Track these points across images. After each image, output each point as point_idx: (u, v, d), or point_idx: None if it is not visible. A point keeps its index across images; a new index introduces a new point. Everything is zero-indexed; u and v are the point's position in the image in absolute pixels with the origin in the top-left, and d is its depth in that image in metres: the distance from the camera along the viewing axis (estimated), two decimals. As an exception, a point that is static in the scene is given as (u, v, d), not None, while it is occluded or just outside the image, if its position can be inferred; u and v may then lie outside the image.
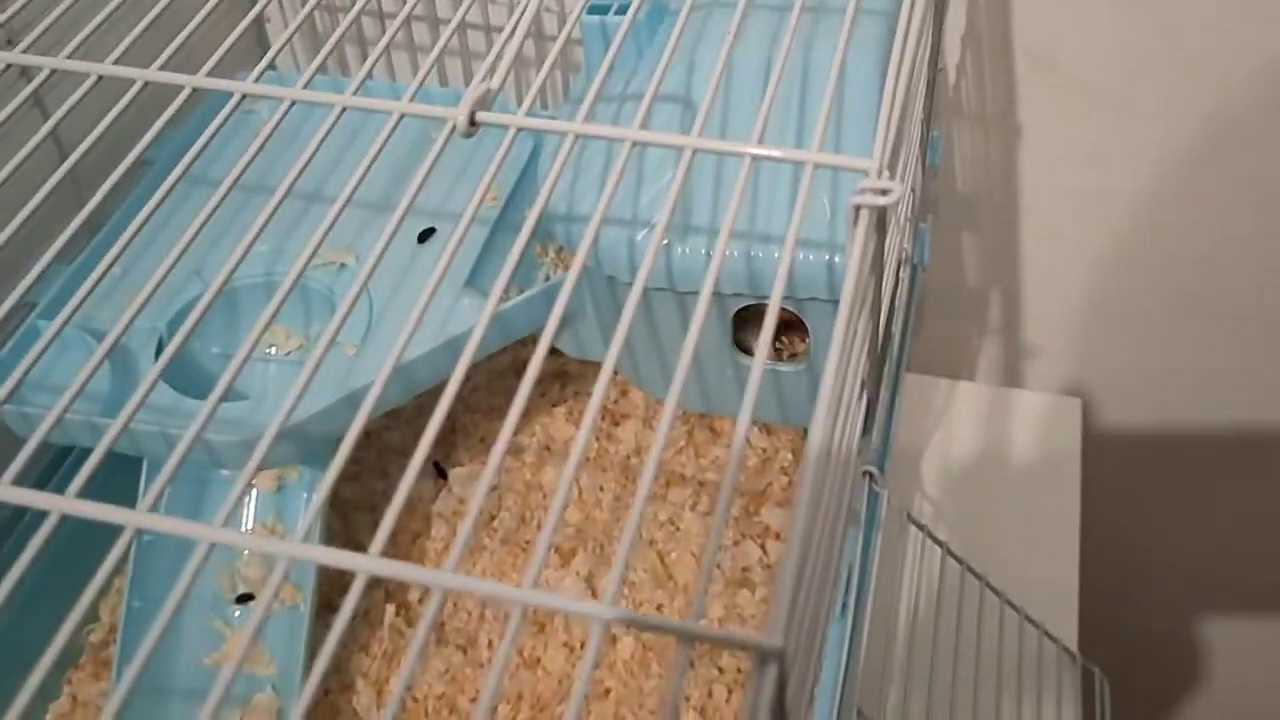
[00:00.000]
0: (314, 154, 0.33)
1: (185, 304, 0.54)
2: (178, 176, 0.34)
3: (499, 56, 0.30)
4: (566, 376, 0.67)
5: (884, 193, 0.25)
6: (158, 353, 0.53)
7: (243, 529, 0.55)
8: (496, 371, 0.67)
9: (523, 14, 0.31)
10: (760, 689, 0.18)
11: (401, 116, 0.30)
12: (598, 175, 0.49)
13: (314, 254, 0.32)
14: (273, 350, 0.56)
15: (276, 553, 0.23)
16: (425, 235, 0.56)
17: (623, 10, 0.50)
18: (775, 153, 0.27)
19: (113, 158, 0.54)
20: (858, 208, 0.25)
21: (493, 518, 0.61)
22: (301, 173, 0.33)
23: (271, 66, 0.37)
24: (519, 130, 0.28)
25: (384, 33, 0.68)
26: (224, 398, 0.29)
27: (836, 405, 0.22)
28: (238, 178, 0.34)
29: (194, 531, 0.24)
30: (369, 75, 0.35)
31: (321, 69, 0.35)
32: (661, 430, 0.24)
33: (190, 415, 0.50)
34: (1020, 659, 0.56)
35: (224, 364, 0.55)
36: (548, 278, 0.57)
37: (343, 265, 0.56)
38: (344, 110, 0.31)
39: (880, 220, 0.26)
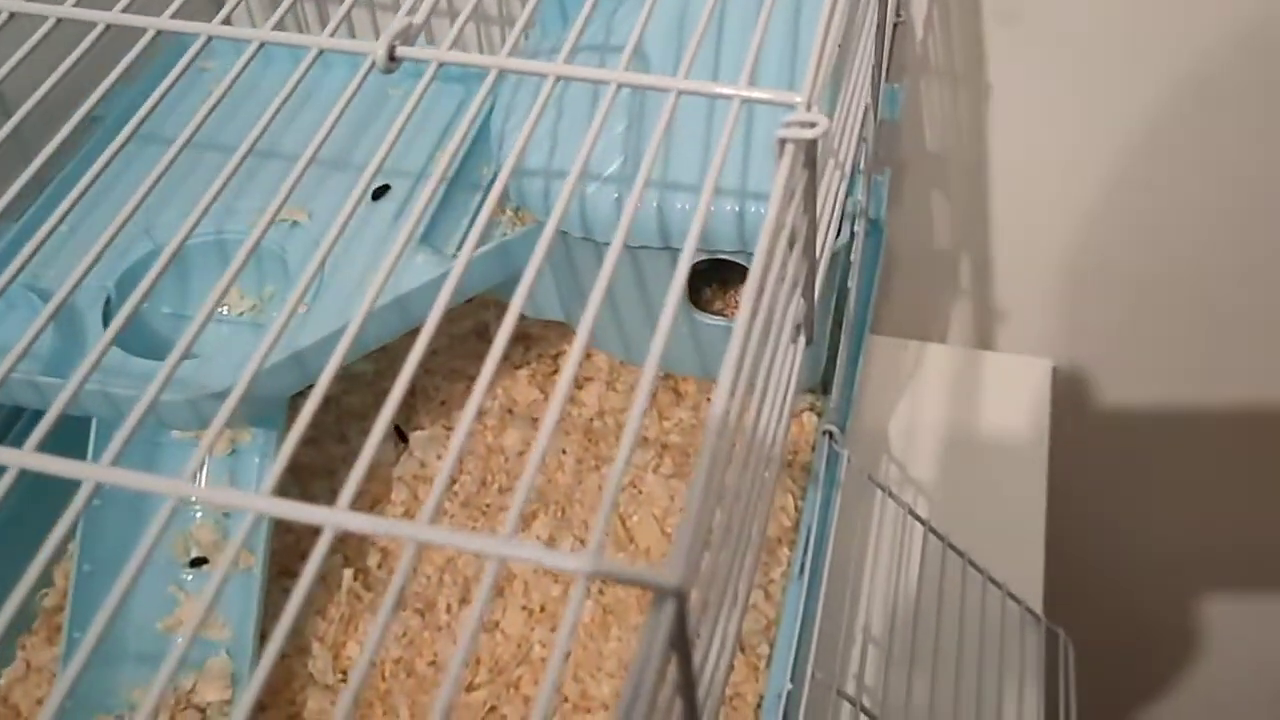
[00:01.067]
0: (281, 102, 0.32)
1: (134, 262, 0.53)
2: (129, 134, 0.33)
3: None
4: (529, 339, 0.66)
5: (811, 125, 0.24)
6: (105, 312, 0.52)
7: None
8: (457, 335, 0.66)
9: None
10: (656, 627, 0.18)
11: (320, 52, 0.29)
12: (548, 129, 0.48)
13: (271, 222, 0.31)
14: (225, 311, 0.55)
15: (243, 506, 0.22)
16: (379, 193, 0.55)
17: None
18: (699, 86, 0.26)
19: (60, 112, 0.53)
20: (783, 141, 0.24)
21: (454, 481, 0.61)
22: (260, 136, 0.32)
23: (227, 23, 0.35)
24: (440, 65, 0.27)
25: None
26: (179, 362, 0.28)
27: (745, 339, 0.21)
28: (189, 138, 0.33)
29: (158, 486, 0.23)
30: (287, 13, 0.34)
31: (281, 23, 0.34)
32: (641, 397, 0.23)
33: (137, 375, 0.49)
34: (983, 621, 0.56)
35: (173, 324, 0.54)
36: (504, 234, 0.56)
37: (295, 223, 0.55)
38: (262, 45, 0.30)
39: (809, 156, 0.25)
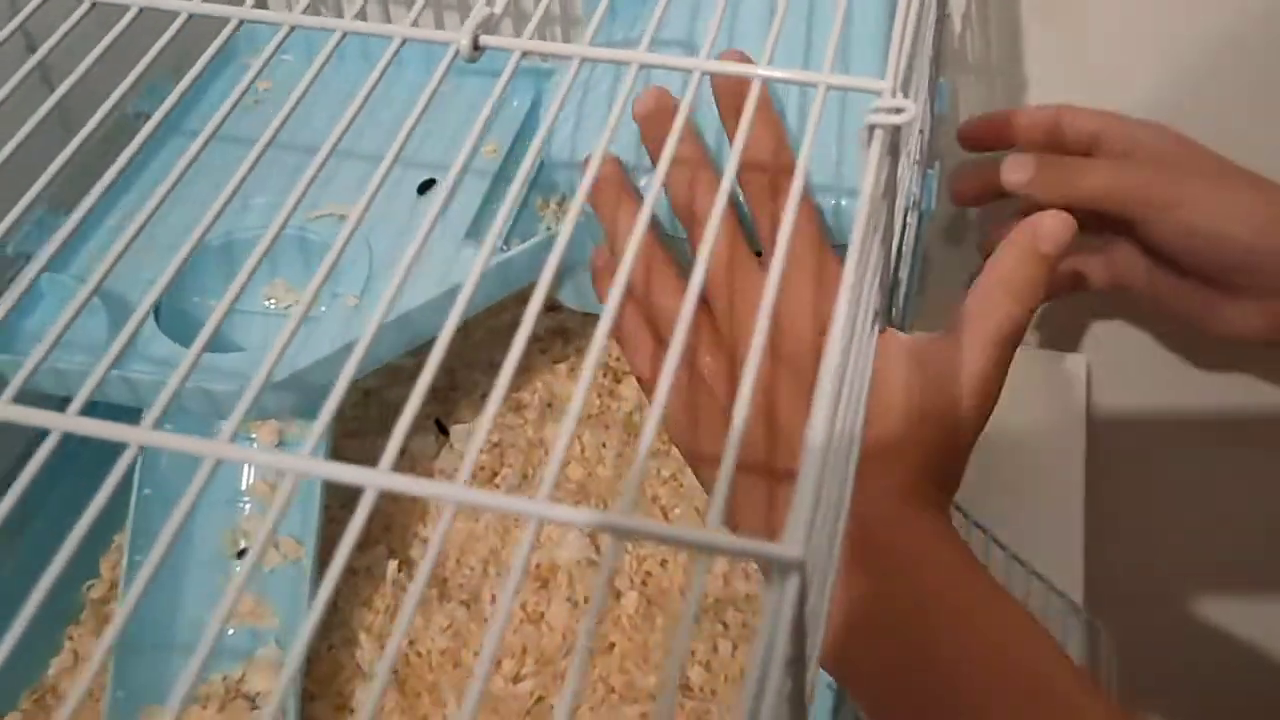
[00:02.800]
0: (311, 82, 0.32)
1: (187, 254, 0.53)
2: (209, 135, 0.34)
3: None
4: (568, 333, 0.66)
5: (898, 111, 0.24)
6: (157, 306, 0.52)
7: (242, 485, 0.55)
8: (497, 328, 0.66)
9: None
10: (780, 604, 0.18)
11: (404, 41, 0.30)
12: (600, 122, 0.48)
13: (298, 203, 0.31)
14: (271, 304, 0.56)
15: (284, 467, 0.23)
16: (425, 187, 0.56)
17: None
18: (785, 74, 0.26)
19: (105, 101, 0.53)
20: (872, 127, 0.25)
21: (495, 474, 0.61)
22: (288, 117, 0.33)
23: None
24: (524, 54, 0.28)
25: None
26: (210, 342, 0.28)
27: (851, 328, 0.21)
28: (229, 110, 0.34)
29: (199, 447, 0.23)
30: (362, 13, 0.34)
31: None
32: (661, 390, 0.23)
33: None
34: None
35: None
36: (548, 228, 0.57)
37: (342, 218, 0.55)
38: (345, 36, 0.31)
39: (893, 143, 0.26)
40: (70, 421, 0.22)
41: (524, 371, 0.65)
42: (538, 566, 0.57)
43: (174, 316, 0.53)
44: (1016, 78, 0.64)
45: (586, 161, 0.48)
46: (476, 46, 0.27)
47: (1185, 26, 0.59)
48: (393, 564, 0.57)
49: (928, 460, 0.38)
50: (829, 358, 0.21)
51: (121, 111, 0.58)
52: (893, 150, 0.26)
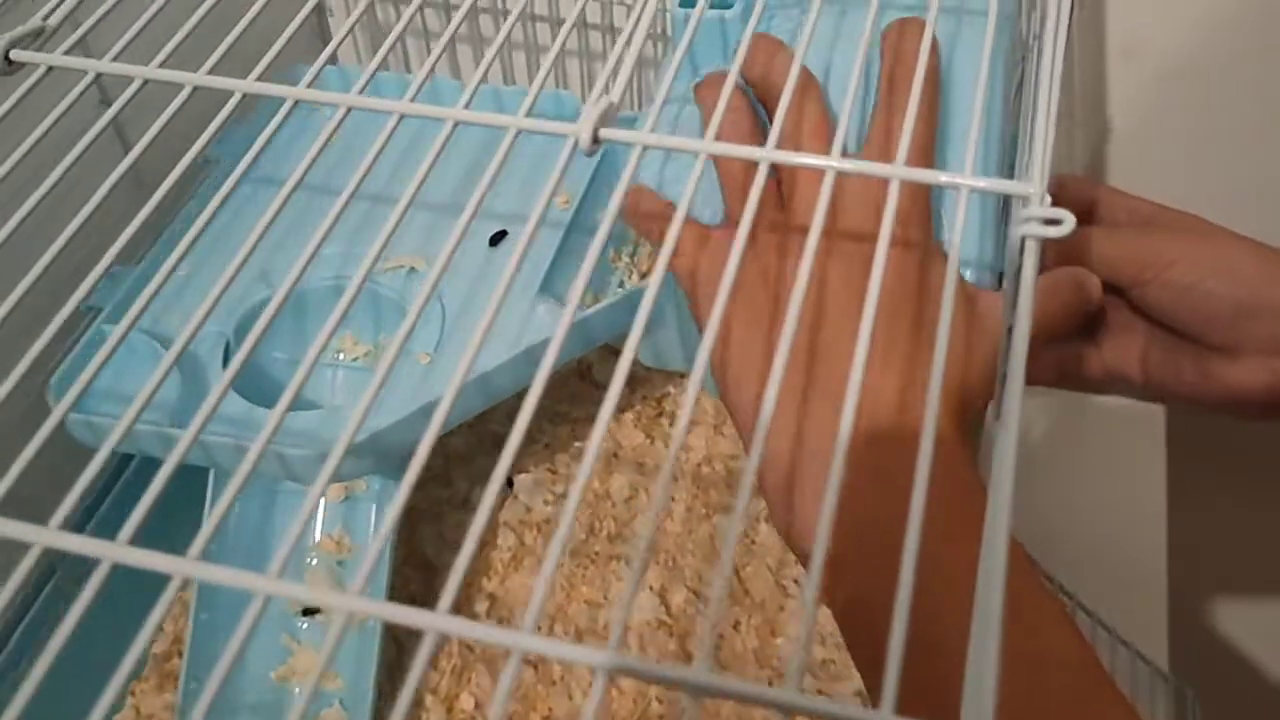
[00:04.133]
0: (374, 160, 0.31)
1: (251, 308, 0.53)
2: (237, 179, 0.33)
3: (618, 65, 0.28)
4: (634, 380, 0.65)
5: (1055, 223, 0.23)
6: (225, 358, 0.51)
7: (309, 541, 0.54)
8: (559, 375, 0.65)
9: (639, 17, 0.29)
10: None
11: (518, 133, 0.28)
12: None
13: (377, 258, 0.30)
14: (340, 356, 0.55)
15: (338, 607, 0.21)
16: (497, 238, 0.55)
17: (719, 3, 0.47)
18: (925, 175, 0.25)
19: (176, 155, 0.52)
20: (1024, 239, 0.23)
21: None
22: (362, 180, 0.31)
23: (332, 60, 0.35)
24: (645, 149, 0.26)
25: (448, 24, 0.66)
26: (290, 409, 0.27)
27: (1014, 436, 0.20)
28: (299, 180, 0.32)
29: (248, 583, 0.22)
30: (430, 76, 0.33)
31: (384, 64, 0.33)
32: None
33: (260, 425, 0.48)
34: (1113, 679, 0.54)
35: (291, 370, 0.54)
36: (622, 284, 0.55)
37: (412, 269, 0.54)
38: (402, 118, 0.30)
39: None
40: (120, 552, 0.21)
41: (588, 422, 0.63)
42: (605, 625, 0.56)
43: (246, 369, 0.52)
44: (1098, 121, 0.62)
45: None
46: (596, 139, 0.26)
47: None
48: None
49: (966, 401, 0.36)
50: (1003, 447, 0.20)
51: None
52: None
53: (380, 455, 0.47)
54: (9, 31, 0.30)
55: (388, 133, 0.31)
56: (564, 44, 0.31)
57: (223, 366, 0.51)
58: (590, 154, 0.26)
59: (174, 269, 0.30)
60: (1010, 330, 0.25)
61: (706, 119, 0.44)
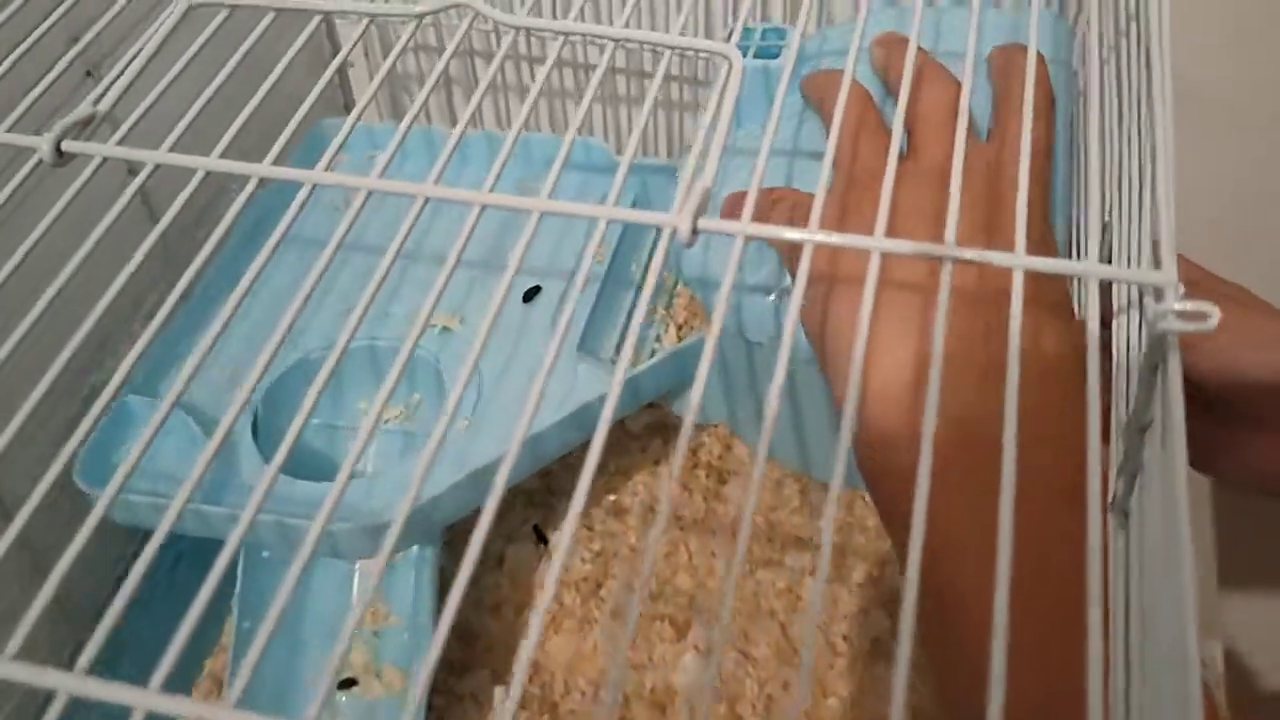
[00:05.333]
0: (403, 240, 0.29)
1: (282, 374, 0.51)
2: (263, 264, 0.31)
3: (705, 145, 0.27)
4: (667, 430, 0.64)
5: (1202, 317, 0.22)
6: (254, 427, 0.50)
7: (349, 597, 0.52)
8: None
9: (724, 91, 0.28)
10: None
11: (540, 216, 0.27)
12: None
13: (421, 334, 0.28)
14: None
15: None
16: (530, 294, 0.53)
17: (765, 54, 0.46)
18: (1050, 264, 0.24)
19: (199, 211, 0.51)
20: (1163, 334, 0.22)
21: (599, 586, 0.58)
22: (394, 259, 0.30)
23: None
24: (746, 236, 0.25)
25: (466, 67, 0.64)
26: (326, 479, 0.25)
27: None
28: (329, 261, 0.31)
29: None
30: (460, 142, 0.32)
31: (417, 116, 0.32)
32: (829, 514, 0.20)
33: (299, 500, 0.47)
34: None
35: (324, 435, 0.52)
36: (659, 337, 0.54)
37: (445, 328, 0.52)
38: (428, 201, 0.28)
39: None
40: (76, 683, 0.20)
41: (622, 474, 0.62)
42: (652, 690, 0.54)
43: (276, 437, 0.51)
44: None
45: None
46: (695, 230, 0.25)
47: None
48: (499, 690, 0.54)
49: None
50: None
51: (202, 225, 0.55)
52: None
53: (423, 526, 0.46)
54: (60, 119, 0.28)
55: (414, 216, 0.29)
56: (594, 93, 0.30)
57: (252, 436, 0.49)
58: (689, 245, 0.25)
59: (212, 345, 0.28)
60: (1141, 426, 0.24)
61: (826, 112, 0.44)
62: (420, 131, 0.60)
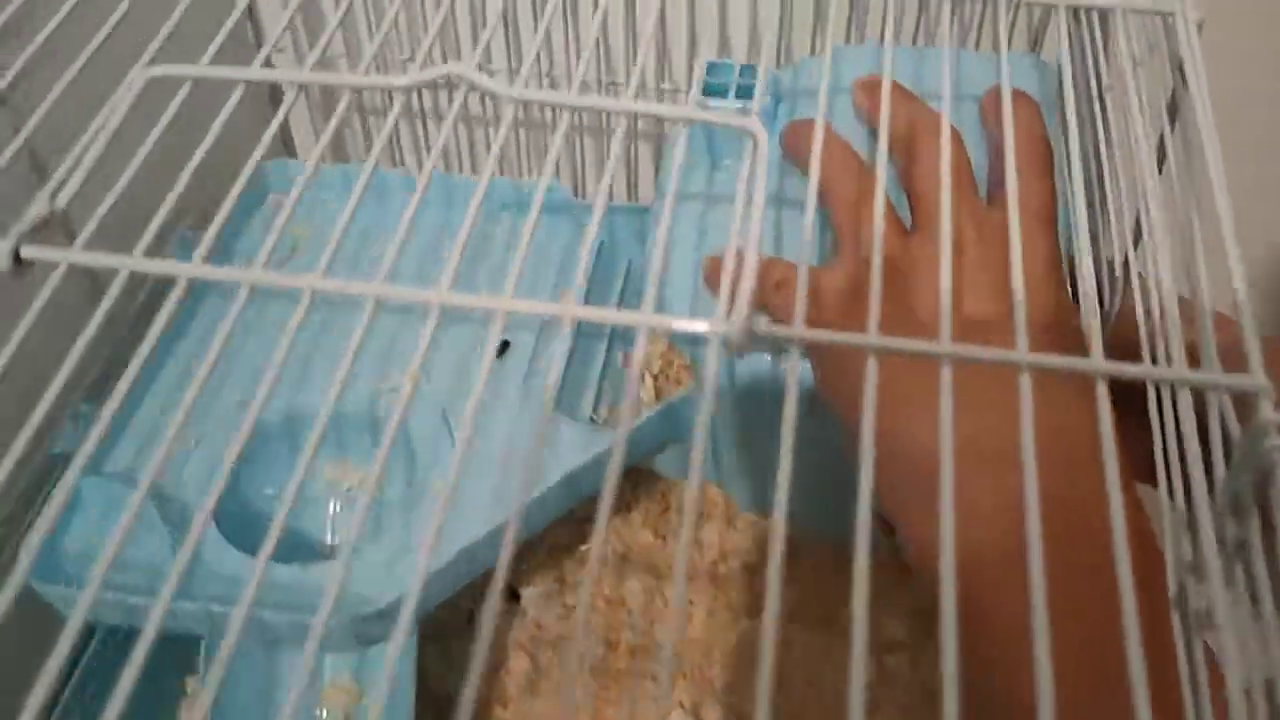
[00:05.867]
0: (362, 338, 0.27)
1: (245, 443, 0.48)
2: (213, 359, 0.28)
3: (742, 234, 0.24)
4: (637, 475, 0.61)
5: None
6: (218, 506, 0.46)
7: (319, 686, 0.49)
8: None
9: (754, 172, 0.26)
10: None
11: (507, 314, 0.25)
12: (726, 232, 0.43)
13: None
14: (348, 488, 0.50)
15: None
16: (502, 350, 0.51)
17: (743, 92, 0.44)
18: (1132, 371, 0.22)
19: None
20: (1270, 451, 0.20)
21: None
22: (364, 337, 0.27)
23: (291, 150, 0.31)
24: (802, 343, 0.23)
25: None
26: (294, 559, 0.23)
27: None
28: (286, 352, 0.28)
29: None
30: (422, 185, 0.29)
31: (346, 155, 0.29)
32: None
33: (265, 583, 0.44)
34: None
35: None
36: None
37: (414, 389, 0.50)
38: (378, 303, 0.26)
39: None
40: None
41: (591, 521, 0.60)
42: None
43: (238, 515, 0.47)
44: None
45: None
46: (750, 336, 0.23)
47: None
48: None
49: None
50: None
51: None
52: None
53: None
54: (15, 218, 0.25)
55: (366, 322, 0.26)
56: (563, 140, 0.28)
57: (215, 516, 0.46)
58: (742, 356, 0.23)
59: (177, 434, 0.25)
60: (1236, 543, 0.22)
61: (801, 161, 0.42)
62: (397, 177, 0.57)
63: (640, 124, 0.60)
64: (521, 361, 0.50)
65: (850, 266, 0.36)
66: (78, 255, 0.26)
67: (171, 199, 0.28)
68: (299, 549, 0.48)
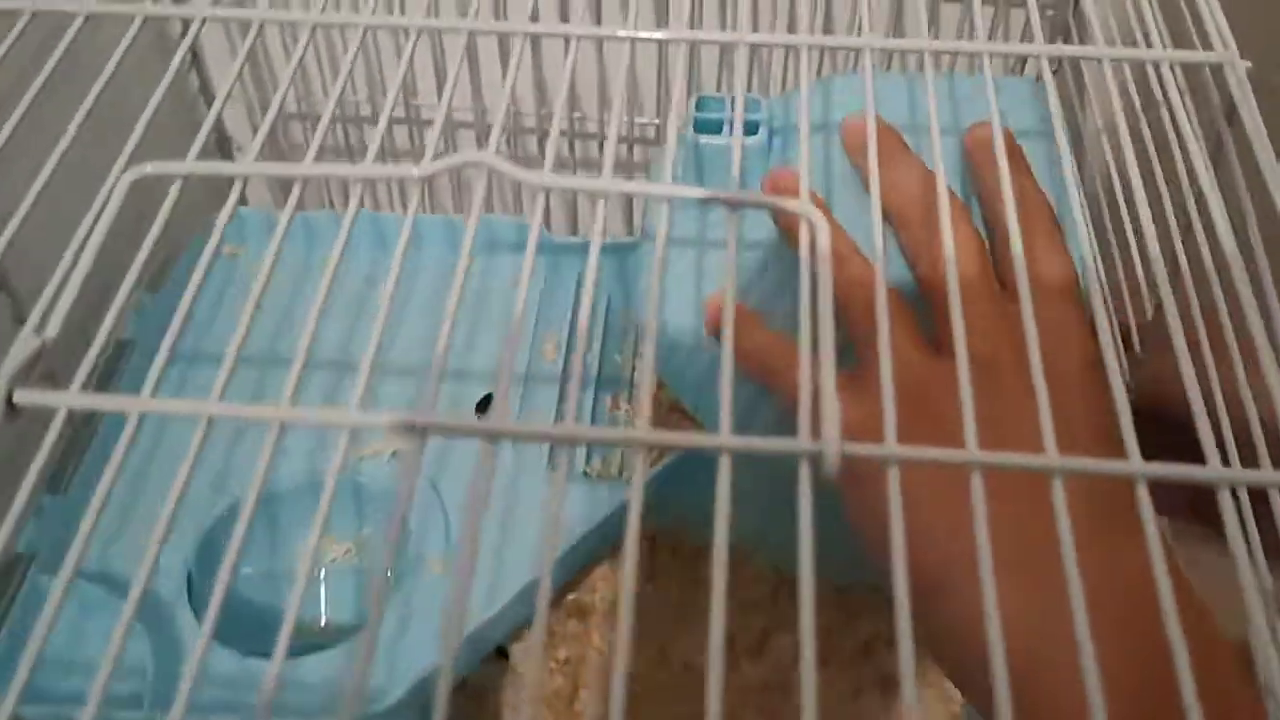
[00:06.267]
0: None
1: (212, 525, 0.45)
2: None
3: (817, 341, 0.23)
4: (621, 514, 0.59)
5: None
6: (189, 590, 0.43)
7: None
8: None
9: (815, 267, 0.24)
10: None
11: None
12: (698, 286, 0.42)
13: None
14: (332, 561, 0.48)
15: None
16: (483, 405, 0.48)
17: (745, 129, 0.42)
18: (1176, 471, 0.21)
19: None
20: None
21: (573, 699, 0.54)
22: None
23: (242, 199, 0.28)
24: (900, 461, 0.21)
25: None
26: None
27: None
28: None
29: None
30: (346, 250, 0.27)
31: (301, 204, 0.27)
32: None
33: (251, 681, 0.41)
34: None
35: (266, 586, 0.46)
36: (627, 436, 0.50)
37: (394, 454, 0.47)
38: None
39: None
40: None
41: (581, 569, 0.57)
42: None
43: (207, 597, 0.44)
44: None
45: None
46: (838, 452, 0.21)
47: None
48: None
49: None
50: None
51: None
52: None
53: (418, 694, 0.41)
54: (11, 365, 0.22)
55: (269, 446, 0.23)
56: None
57: (189, 601, 0.43)
58: (836, 478, 0.21)
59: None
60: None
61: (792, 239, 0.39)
62: (328, 216, 0.54)
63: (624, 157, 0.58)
64: (509, 414, 0.47)
65: (870, 386, 0.33)
66: (75, 399, 0.23)
67: (125, 293, 0.25)
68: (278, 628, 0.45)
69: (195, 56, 0.54)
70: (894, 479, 0.21)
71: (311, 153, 0.30)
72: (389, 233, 0.54)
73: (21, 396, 0.22)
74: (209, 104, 0.55)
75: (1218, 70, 0.29)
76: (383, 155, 0.59)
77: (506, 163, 0.27)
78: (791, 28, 0.53)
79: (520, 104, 0.56)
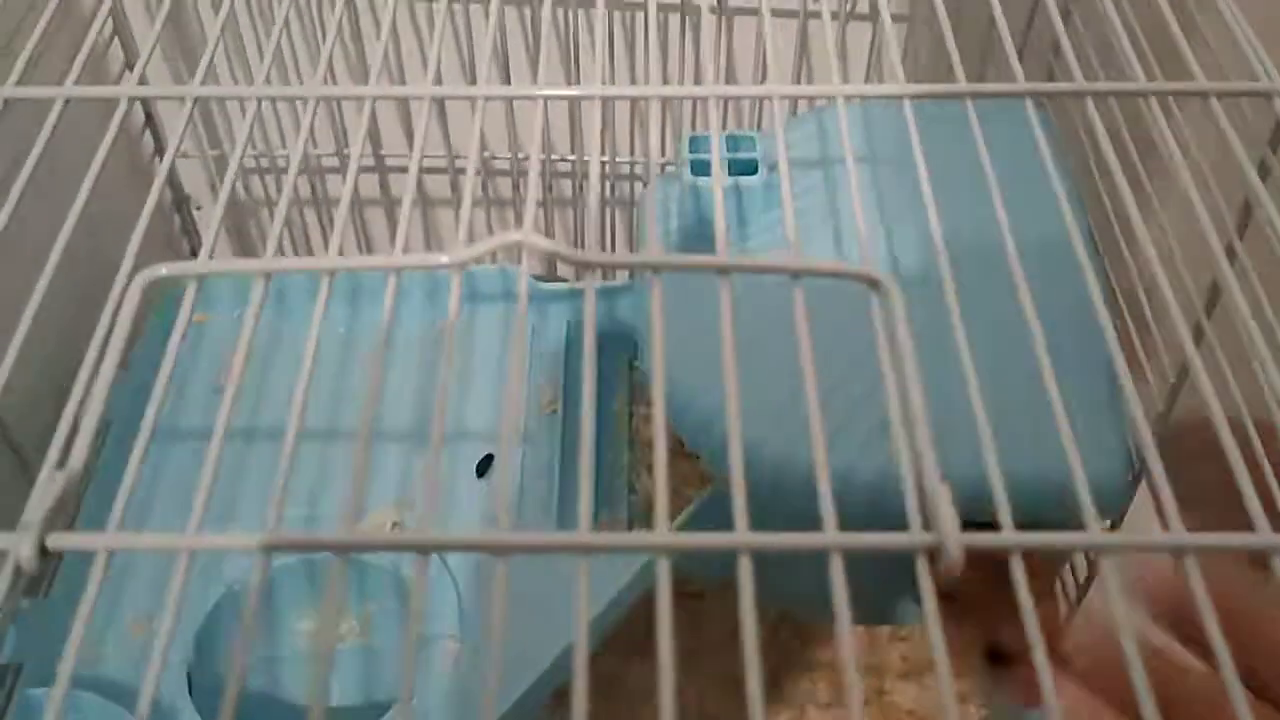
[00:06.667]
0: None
1: (209, 614, 0.42)
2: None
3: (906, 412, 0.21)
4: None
5: None
6: (190, 684, 0.41)
7: None
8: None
9: (893, 334, 0.23)
10: None
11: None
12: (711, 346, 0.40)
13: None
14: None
15: None
16: (484, 466, 0.46)
17: (736, 167, 0.41)
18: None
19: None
20: None
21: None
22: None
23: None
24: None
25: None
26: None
27: None
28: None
29: None
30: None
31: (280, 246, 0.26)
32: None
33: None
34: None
35: (265, 672, 0.44)
36: (632, 488, 0.48)
37: (396, 525, 0.45)
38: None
39: None
40: None
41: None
42: None
43: (215, 686, 0.42)
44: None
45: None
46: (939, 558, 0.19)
47: None
48: None
49: None
50: None
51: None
52: None
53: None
54: (40, 508, 0.20)
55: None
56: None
57: (189, 695, 0.40)
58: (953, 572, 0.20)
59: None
60: None
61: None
62: (298, 280, 0.52)
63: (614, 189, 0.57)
64: (510, 477, 0.45)
65: None
66: (113, 539, 0.21)
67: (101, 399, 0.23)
68: (293, 714, 0.43)
69: (149, 116, 0.51)
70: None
71: (276, 227, 0.28)
72: (361, 285, 0.51)
73: (56, 541, 0.20)
74: (161, 155, 0.52)
75: (1264, 100, 0.28)
76: (352, 209, 0.57)
77: (546, 240, 0.25)
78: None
79: (494, 149, 0.55)
